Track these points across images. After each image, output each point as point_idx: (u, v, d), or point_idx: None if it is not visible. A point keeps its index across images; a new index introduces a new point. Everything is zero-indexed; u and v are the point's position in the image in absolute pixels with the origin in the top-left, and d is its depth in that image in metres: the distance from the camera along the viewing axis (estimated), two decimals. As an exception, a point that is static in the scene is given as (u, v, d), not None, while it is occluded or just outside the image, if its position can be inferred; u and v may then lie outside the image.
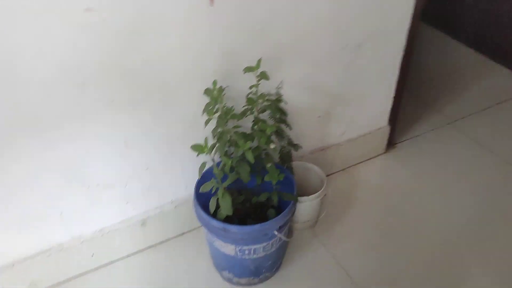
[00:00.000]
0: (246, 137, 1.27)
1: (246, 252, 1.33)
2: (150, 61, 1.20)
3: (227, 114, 1.22)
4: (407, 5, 1.54)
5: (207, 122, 1.20)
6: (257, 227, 1.26)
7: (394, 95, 1.78)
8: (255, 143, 1.33)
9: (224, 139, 1.25)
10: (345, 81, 1.60)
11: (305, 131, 1.66)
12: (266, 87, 1.44)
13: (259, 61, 1.24)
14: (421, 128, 2.10)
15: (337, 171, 1.87)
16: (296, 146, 1.55)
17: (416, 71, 2.44)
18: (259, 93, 1.32)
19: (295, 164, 1.64)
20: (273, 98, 1.45)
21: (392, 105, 1.81)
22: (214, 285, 1.46)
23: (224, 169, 1.28)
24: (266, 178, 1.29)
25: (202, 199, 1.33)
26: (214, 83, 1.19)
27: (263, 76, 1.23)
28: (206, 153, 1.15)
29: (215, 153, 1.25)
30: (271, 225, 1.28)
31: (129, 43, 1.15)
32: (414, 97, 2.28)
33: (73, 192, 1.33)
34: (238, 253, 1.34)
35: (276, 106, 1.45)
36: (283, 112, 1.50)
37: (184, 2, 1.16)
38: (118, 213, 1.46)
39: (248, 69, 1.23)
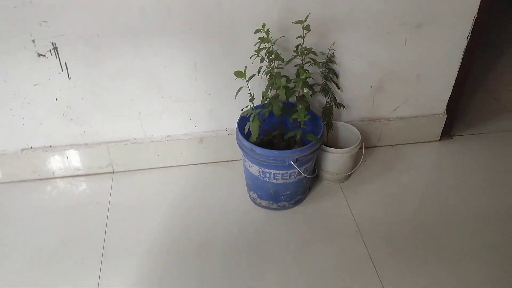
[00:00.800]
0: (285, 77, 1.52)
1: (267, 175, 1.59)
2: (223, 3, 1.51)
3: (271, 54, 1.48)
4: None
5: (252, 57, 1.47)
6: (276, 152, 1.51)
7: (454, 84, 1.85)
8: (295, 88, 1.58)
9: (267, 74, 1.52)
10: (401, 58, 1.74)
11: (356, 98, 1.84)
12: (321, 47, 1.67)
13: (307, 16, 1.47)
14: (490, 127, 2.11)
15: (385, 145, 2.01)
16: (339, 105, 1.76)
17: (501, 67, 2.43)
18: (306, 45, 1.55)
19: (339, 124, 1.84)
20: (326, 57, 1.68)
21: (451, 94, 1.89)
22: (242, 202, 1.75)
23: (261, 102, 1.56)
24: (294, 116, 1.53)
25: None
26: (263, 25, 1.45)
27: (307, 28, 1.46)
28: (243, 78, 1.43)
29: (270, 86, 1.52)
30: (288, 155, 1.51)
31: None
32: (490, 94, 2.28)
33: (150, 97, 1.71)
34: (261, 174, 1.60)
35: (326, 65, 1.68)
36: (334, 72, 1.71)
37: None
38: (182, 126, 1.82)
39: (297, 22, 1.48)
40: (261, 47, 1.48)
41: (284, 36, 1.59)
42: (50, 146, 1.79)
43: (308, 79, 1.57)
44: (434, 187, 1.82)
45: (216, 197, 1.77)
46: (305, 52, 1.53)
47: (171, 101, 1.74)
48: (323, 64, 1.68)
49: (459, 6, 1.64)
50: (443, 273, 1.48)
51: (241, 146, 1.59)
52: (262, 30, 1.45)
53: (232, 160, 1.93)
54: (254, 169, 1.61)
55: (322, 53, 1.68)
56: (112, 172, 1.89)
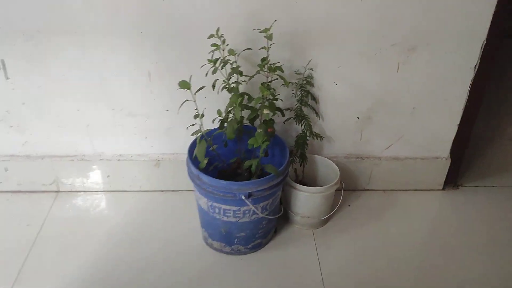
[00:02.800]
0: (242, 94, 1.28)
1: (217, 210, 1.32)
2: (181, 6, 1.30)
3: (225, 64, 1.25)
4: (484, 10, 1.33)
5: (203, 66, 1.24)
6: (224, 183, 1.25)
7: (459, 123, 1.55)
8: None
9: (224, 89, 1.28)
10: (394, 86, 1.47)
11: (340, 129, 1.56)
12: (296, 65, 1.42)
13: (273, 23, 1.24)
14: (508, 180, 1.77)
15: (376, 190, 1.70)
16: (316, 135, 1.49)
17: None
18: (276, 61, 1.31)
19: (317, 158, 1.56)
20: (302, 77, 1.43)
21: (456, 135, 1.58)
22: (193, 241, 1.47)
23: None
24: (249, 141, 1.27)
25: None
26: (217, 30, 1.22)
27: (270, 37, 1.22)
28: (187, 89, 1.19)
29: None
30: (238, 187, 1.25)
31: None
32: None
33: (99, 108, 1.50)
34: (210, 209, 1.33)
35: (302, 86, 1.43)
36: (312, 96, 1.46)
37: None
38: (137, 145, 1.58)
39: (261, 30, 1.24)
40: (215, 56, 1.25)
41: (250, 49, 1.36)
42: (-12, 155, 1.60)
43: (274, 100, 1.32)
44: (427, 244, 1.50)
45: (164, 232, 1.51)
46: (272, 67, 1.29)
47: (123, 114, 1.52)
48: (298, 86, 1.43)
49: (462, 27, 1.36)
50: None
51: (189, 173, 1.34)
52: (215, 36, 1.22)
53: (192, 190, 1.67)
54: (203, 202, 1.35)
55: (298, 73, 1.43)
56: (57, 192, 1.66)
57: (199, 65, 1.32)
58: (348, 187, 1.67)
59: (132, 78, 1.44)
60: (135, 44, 1.37)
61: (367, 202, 1.65)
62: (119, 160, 1.60)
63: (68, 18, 1.32)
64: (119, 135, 1.56)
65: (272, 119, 1.36)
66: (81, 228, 1.52)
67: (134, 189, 1.67)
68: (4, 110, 1.50)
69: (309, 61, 1.40)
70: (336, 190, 1.50)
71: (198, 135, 1.27)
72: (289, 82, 1.41)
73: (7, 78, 1.43)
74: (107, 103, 1.49)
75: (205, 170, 1.30)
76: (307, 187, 1.42)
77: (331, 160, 1.56)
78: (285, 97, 1.48)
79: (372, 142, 1.60)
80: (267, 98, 1.28)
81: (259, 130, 1.27)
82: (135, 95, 1.48)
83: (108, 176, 1.64)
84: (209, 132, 1.32)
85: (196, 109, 1.25)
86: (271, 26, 1.23)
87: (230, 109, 1.30)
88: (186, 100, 1.22)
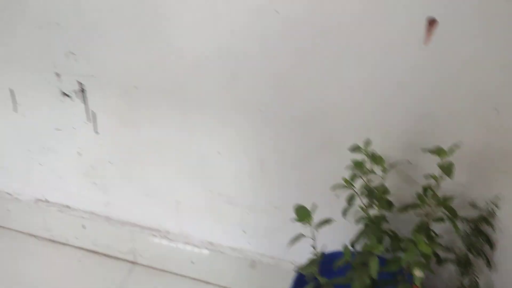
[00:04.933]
0: (382, 233, 0.85)
1: None
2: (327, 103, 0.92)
3: (370, 193, 0.82)
4: None
5: (336, 188, 0.83)
6: None
7: None
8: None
9: (360, 221, 0.87)
10: None
11: (521, 288, 1.05)
12: (472, 193, 0.95)
13: (454, 146, 0.79)
14: None
15: None
16: (483, 298, 0.99)
17: None
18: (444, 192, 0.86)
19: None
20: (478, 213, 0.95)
21: None
22: None
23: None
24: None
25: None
26: (367, 143, 0.80)
27: (447, 170, 0.76)
28: (303, 223, 0.79)
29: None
30: None
31: None
32: None
33: (193, 187, 1.18)
34: None
35: (476, 225, 0.95)
36: (487, 238, 0.97)
37: None
38: (232, 237, 1.24)
39: (433, 151, 0.79)
40: (355, 175, 0.83)
41: (411, 163, 0.92)
42: (68, 207, 1.38)
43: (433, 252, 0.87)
44: None
45: None
46: (441, 200, 0.83)
47: (221, 201, 1.18)
48: (470, 223, 0.95)
49: None
50: None
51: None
52: (362, 150, 0.81)
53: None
54: None
55: (474, 205, 0.95)
56: (133, 263, 1.39)
57: (337, 169, 0.93)
58: None
59: (240, 163, 1.10)
60: (250, 123, 1.02)
61: None
62: (208, 248, 1.27)
63: (171, 75, 1.02)
64: (212, 221, 1.23)
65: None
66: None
67: (224, 284, 1.33)
68: (89, 165, 1.26)
69: (496, 195, 0.92)
70: None
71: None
72: (458, 218, 0.95)
73: (97, 133, 1.18)
74: (203, 183, 1.17)
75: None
76: None
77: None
78: (441, 227, 1.02)
79: None
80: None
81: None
82: (240, 183, 1.13)
83: (193, 262, 1.32)
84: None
85: (312, 246, 0.84)
86: (451, 148, 0.78)
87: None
88: (303, 236, 0.82)
